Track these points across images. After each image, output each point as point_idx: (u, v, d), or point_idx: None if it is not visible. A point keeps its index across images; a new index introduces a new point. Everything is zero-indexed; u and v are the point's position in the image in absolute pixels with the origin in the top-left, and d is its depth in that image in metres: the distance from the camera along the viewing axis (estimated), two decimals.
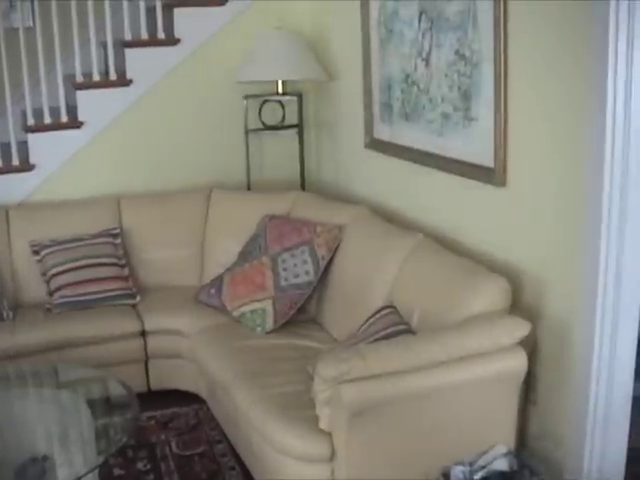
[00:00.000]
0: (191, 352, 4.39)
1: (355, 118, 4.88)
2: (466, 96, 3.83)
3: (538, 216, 3.51)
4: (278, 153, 5.44)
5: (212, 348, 4.21)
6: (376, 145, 4.69)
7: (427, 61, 4.11)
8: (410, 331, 3.60)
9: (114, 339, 4.50)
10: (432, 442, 3.27)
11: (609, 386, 3.31)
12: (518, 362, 3.33)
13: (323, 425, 3.25)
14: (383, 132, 4.62)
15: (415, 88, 4.23)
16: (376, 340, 3.58)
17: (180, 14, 5.17)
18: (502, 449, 3.36)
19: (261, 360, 3.98)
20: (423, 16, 4.10)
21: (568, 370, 3.40)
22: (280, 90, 5.12)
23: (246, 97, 5.20)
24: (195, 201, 5.12)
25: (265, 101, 5.23)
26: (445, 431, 3.29)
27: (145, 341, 4.57)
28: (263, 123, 5.23)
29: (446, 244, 3.98)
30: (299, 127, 5.25)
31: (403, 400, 3.20)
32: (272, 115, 5.28)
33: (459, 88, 3.88)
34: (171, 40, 5.17)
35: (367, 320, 3.80)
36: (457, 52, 3.85)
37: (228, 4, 5.21)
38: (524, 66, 3.47)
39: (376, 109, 4.65)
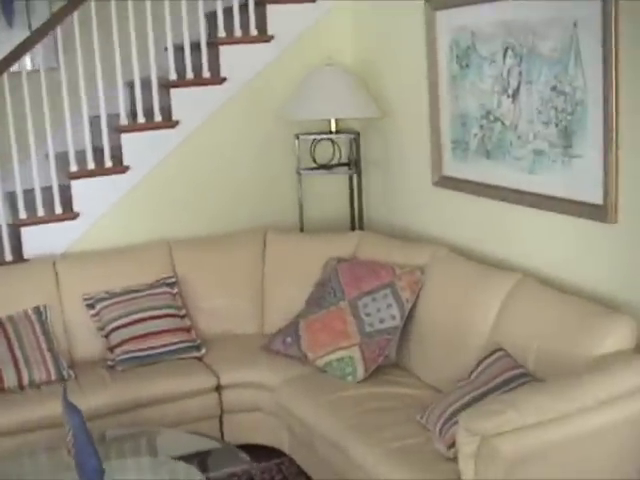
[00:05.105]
0: (277, 405, 4.23)
1: (419, 156, 4.79)
2: (566, 133, 3.77)
3: None
4: (331, 193, 5.33)
5: (306, 400, 4.06)
6: (447, 183, 4.60)
7: (514, 97, 4.05)
8: (528, 375, 3.53)
9: (189, 395, 4.29)
10: None
11: None
12: None
13: (468, 479, 3.15)
14: (456, 169, 4.53)
15: (499, 124, 4.17)
16: (497, 386, 3.49)
17: (225, 52, 5.02)
18: None
19: (366, 412, 3.84)
20: (509, 52, 4.05)
21: None
22: (333, 128, 5.00)
23: (297, 136, 5.07)
24: (250, 244, 4.96)
25: (317, 140, 5.09)
26: (586, 474, 3.20)
27: (220, 396, 4.38)
28: (316, 162, 5.10)
29: (545, 283, 3.91)
30: (356, 166, 5.14)
31: (555, 449, 3.12)
32: (325, 154, 5.15)
33: (557, 125, 3.83)
34: (217, 79, 5.02)
35: (478, 364, 3.69)
36: (554, 88, 3.80)
37: (273, 41, 5.09)
38: (636, 100, 3.44)
39: (446, 146, 4.57)
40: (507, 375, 3.54)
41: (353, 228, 5.24)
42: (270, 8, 5.10)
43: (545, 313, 3.68)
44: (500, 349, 3.71)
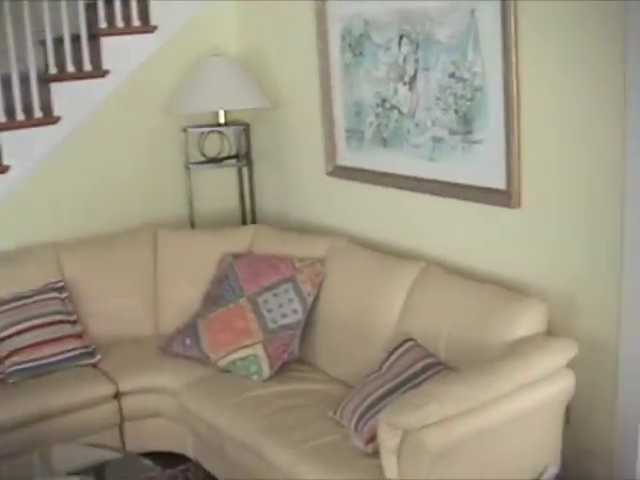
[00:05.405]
0: (181, 410, 4.07)
1: (311, 146, 4.70)
2: (466, 119, 3.76)
3: (560, 234, 3.50)
4: (221, 187, 5.17)
5: (212, 403, 3.92)
6: (342, 172, 4.52)
7: (411, 85, 4.01)
8: (441, 363, 3.51)
9: (86, 405, 4.07)
10: (496, 475, 3.18)
11: None
12: (569, 383, 3.37)
13: (392, 474, 3.08)
14: (351, 159, 4.46)
15: (395, 112, 4.12)
16: (411, 377, 3.45)
17: (107, 43, 4.78)
18: (554, 470, 3.40)
19: (275, 412, 3.74)
20: (404, 39, 4.00)
21: (612, 385, 3.40)
22: (222, 120, 4.85)
23: (185, 129, 4.89)
24: (140, 243, 4.75)
25: (205, 133, 4.93)
26: (505, 461, 3.24)
27: (120, 403, 4.17)
28: (204, 156, 4.94)
29: (452, 271, 3.89)
30: (246, 158, 4.99)
31: (478, 437, 3.13)
32: (214, 147, 4.99)
33: (456, 111, 3.81)
34: (99, 72, 4.78)
35: (389, 355, 3.64)
36: (453, 75, 3.78)
37: (157, 31, 4.87)
38: (537, 85, 3.46)
39: (340, 135, 4.50)
40: (419, 365, 3.50)
41: (245, 222, 5.12)
42: None
43: (453, 301, 3.67)
44: (410, 339, 3.66)
